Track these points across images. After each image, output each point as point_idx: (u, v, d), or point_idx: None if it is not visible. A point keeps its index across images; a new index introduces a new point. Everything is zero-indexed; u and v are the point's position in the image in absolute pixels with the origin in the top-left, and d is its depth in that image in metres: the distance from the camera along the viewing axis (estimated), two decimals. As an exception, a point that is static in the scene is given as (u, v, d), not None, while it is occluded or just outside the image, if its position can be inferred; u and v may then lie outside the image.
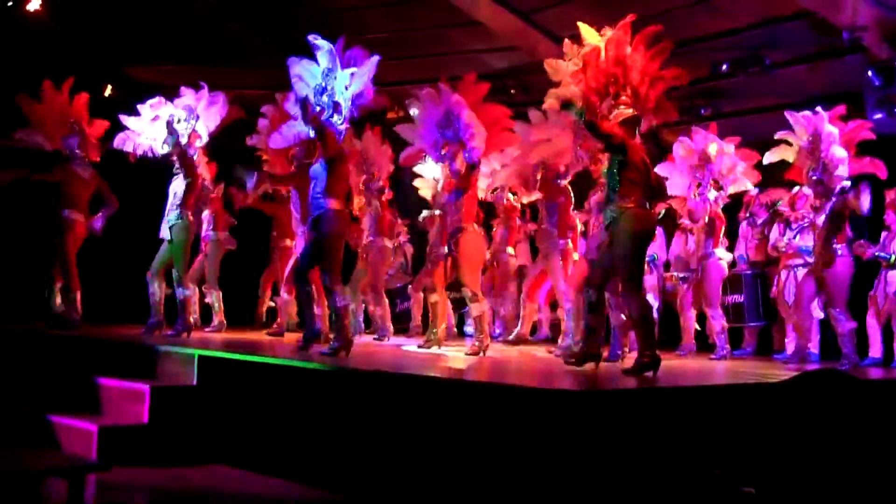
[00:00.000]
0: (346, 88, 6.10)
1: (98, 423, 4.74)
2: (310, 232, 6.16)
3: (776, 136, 7.58)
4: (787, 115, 7.52)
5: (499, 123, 7.14)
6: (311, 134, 6.17)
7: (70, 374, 5.56)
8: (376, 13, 9.65)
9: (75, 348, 6.08)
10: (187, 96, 7.41)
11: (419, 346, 7.22)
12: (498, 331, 9.24)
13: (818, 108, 7.39)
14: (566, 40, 5.92)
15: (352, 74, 6.07)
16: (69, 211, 7.58)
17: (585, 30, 5.84)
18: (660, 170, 7.78)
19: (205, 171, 7.85)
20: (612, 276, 5.41)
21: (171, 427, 4.94)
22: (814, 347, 8.07)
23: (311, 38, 6.15)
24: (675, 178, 8.01)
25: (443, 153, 6.99)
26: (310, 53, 6.24)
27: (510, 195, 8.67)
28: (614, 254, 5.23)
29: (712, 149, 7.95)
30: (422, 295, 8.78)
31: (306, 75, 6.21)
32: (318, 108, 6.12)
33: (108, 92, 9.37)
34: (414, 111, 7.37)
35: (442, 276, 7.37)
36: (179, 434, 4.95)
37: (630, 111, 5.46)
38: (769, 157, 7.76)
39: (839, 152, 7.21)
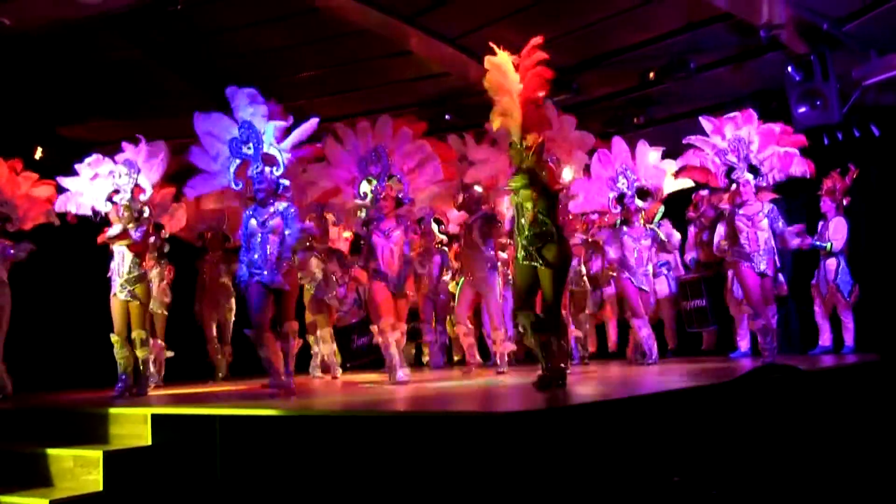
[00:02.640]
0: (278, 140, 6.16)
1: (50, 497, 4.61)
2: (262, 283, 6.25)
3: (685, 141, 7.73)
4: (702, 119, 7.69)
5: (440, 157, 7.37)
6: (234, 186, 6.27)
7: (16, 447, 5.41)
8: (307, 50, 9.66)
9: (20, 420, 5.94)
10: (128, 151, 7.36)
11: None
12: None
13: (750, 110, 7.57)
14: (486, 58, 5.96)
15: (281, 129, 6.17)
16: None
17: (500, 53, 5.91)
18: (576, 185, 7.90)
19: (176, 222, 7.90)
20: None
21: (127, 492, 4.84)
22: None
23: (229, 91, 6.19)
24: (592, 192, 8.10)
25: (370, 190, 7.08)
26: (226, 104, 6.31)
27: (434, 225, 8.75)
28: (542, 276, 5.35)
29: (629, 159, 8.15)
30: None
31: (217, 130, 6.24)
32: (239, 161, 6.19)
33: (38, 154, 9.21)
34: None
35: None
36: (137, 498, 4.85)
37: (538, 135, 5.57)
38: (679, 163, 7.92)
39: (786, 153, 7.39)
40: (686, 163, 7.80)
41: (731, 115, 7.58)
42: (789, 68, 8.00)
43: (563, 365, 5.46)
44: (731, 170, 7.54)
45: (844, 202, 8.10)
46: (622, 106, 9.81)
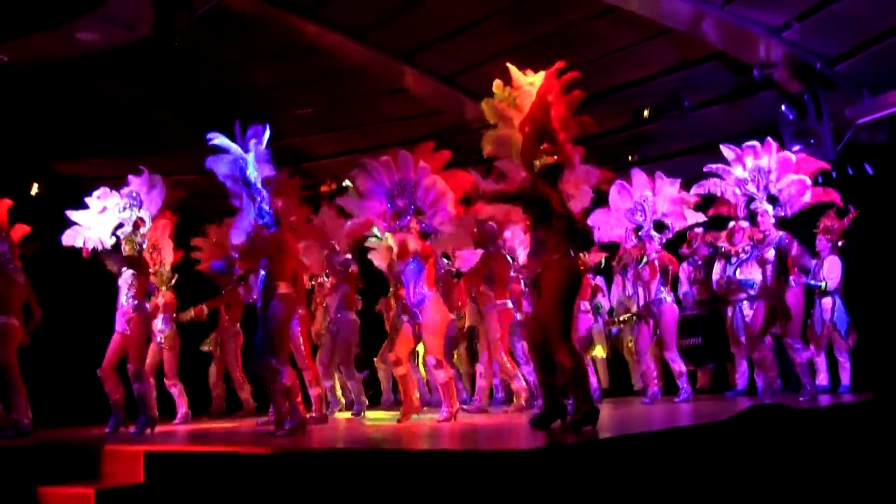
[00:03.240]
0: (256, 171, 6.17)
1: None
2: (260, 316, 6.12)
3: (706, 169, 7.72)
4: (723, 147, 7.67)
5: (461, 189, 7.20)
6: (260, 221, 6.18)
7: (9, 484, 5.34)
8: (303, 88, 9.74)
9: (12, 458, 5.85)
10: (133, 184, 7.34)
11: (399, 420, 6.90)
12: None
13: (768, 139, 7.57)
14: (496, 81, 5.95)
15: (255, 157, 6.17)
16: (6, 317, 7.39)
17: (515, 73, 5.92)
18: (595, 216, 7.87)
19: (168, 255, 7.87)
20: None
21: (119, 531, 4.77)
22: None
23: (210, 136, 6.17)
24: (610, 223, 8.09)
25: (395, 222, 7.03)
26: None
27: (445, 259, 8.68)
28: (542, 307, 5.14)
29: (648, 192, 8.09)
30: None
31: (230, 170, 6.22)
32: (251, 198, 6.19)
33: (34, 190, 9.22)
34: (354, 182, 7.38)
35: (409, 346, 7.23)
36: (129, 537, 4.78)
37: (553, 158, 5.40)
38: (696, 190, 7.89)
39: (798, 181, 7.37)
40: (705, 192, 7.78)
41: (752, 143, 7.57)
42: (783, 107, 8.06)
43: (580, 404, 5.00)
44: (750, 200, 7.51)
45: (840, 243, 8.09)
46: (617, 144, 9.86)
